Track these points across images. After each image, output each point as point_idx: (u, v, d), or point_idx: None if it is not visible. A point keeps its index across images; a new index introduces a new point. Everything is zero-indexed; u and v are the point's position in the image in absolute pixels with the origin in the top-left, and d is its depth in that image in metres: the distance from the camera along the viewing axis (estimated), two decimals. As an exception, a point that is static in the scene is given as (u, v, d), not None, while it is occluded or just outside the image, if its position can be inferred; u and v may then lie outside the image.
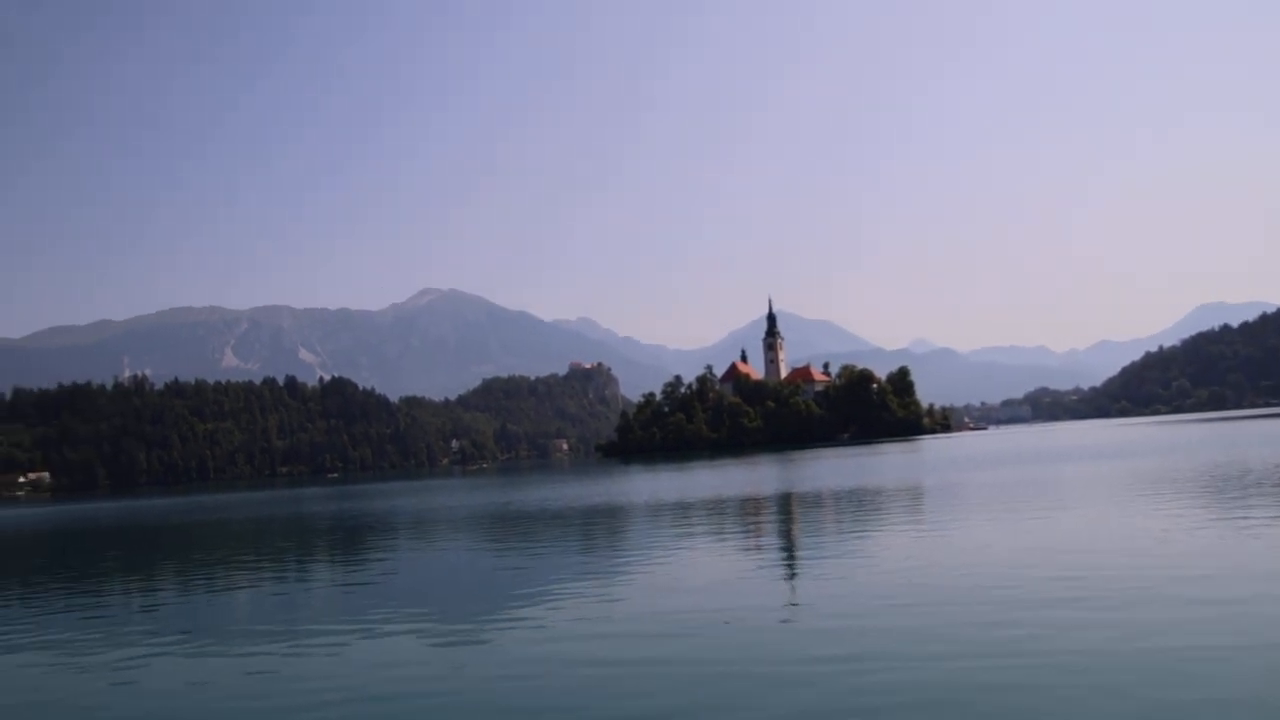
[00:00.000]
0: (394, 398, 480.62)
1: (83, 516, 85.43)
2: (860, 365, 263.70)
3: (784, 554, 25.37)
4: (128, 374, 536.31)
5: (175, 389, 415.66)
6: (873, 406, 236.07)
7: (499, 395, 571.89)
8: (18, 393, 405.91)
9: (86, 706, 13.16)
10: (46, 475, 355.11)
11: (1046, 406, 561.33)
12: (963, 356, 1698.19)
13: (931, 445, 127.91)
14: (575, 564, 25.44)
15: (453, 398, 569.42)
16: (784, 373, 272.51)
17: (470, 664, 13.93)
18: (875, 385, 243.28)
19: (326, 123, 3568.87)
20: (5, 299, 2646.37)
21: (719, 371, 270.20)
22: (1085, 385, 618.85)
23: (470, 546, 33.68)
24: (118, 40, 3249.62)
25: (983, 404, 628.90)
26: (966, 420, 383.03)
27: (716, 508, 42.30)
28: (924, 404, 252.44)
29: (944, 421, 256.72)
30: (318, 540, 41.59)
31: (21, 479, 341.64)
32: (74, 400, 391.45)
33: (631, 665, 13.23)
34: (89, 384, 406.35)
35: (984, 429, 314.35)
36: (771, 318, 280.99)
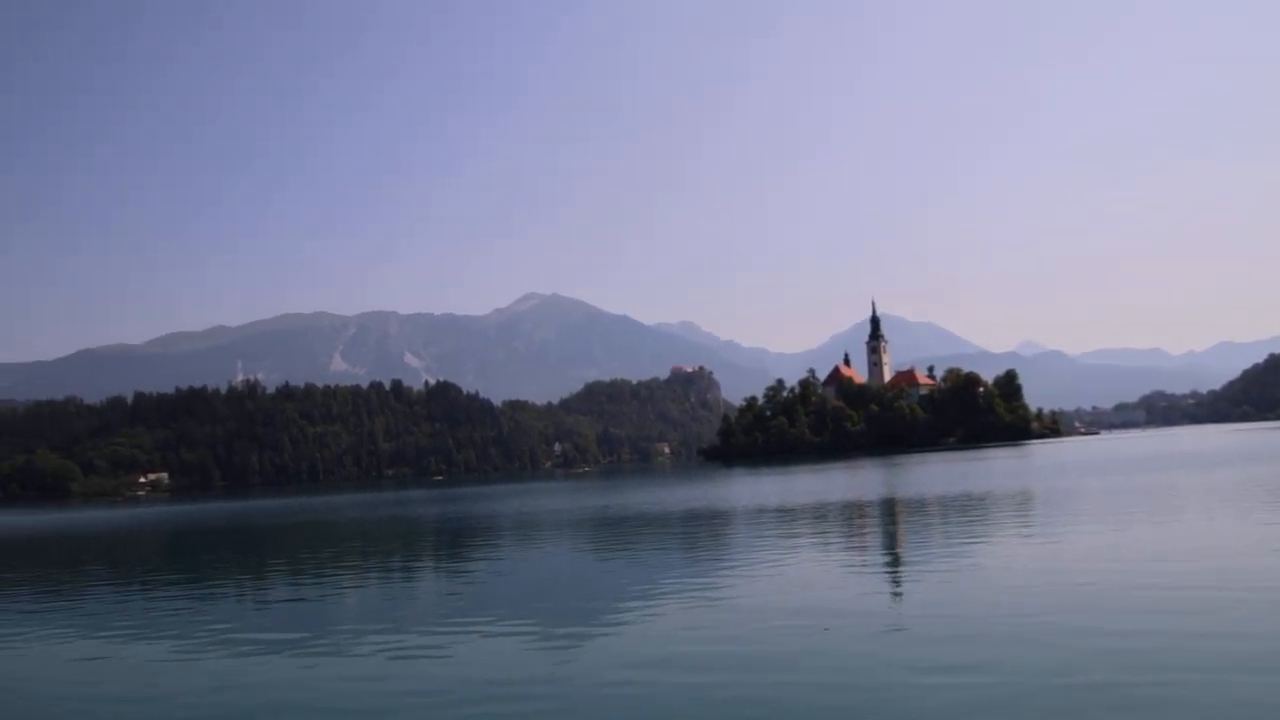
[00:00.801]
0: (497, 401, 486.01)
1: (199, 516, 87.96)
2: (966, 368, 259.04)
3: (888, 560, 25.05)
4: (241, 378, 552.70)
5: (286, 392, 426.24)
6: (979, 410, 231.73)
7: (601, 399, 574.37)
8: (139, 397, 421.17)
9: (199, 700, 13.44)
10: (165, 476, 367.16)
11: (1162, 411, 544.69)
12: (1073, 359, 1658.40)
13: (1040, 450, 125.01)
14: (677, 569, 25.36)
15: (555, 401, 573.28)
16: (888, 376, 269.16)
17: (572, 669, 13.93)
18: (981, 389, 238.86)
19: (431, 134, 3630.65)
20: (127, 307, 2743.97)
21: (822, 375, 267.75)
22: (1203, 389, 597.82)
23: (573, 550, 33.87)
24: (249, 43, 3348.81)
25: (1094, 408, 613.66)
26: (1077, 425, 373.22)
27: (820, 512, 41.91)
28: (1032, 408, 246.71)
29: (1053, 426, 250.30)
30: (424, 542, 42.30)
31: (142, 479, 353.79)
32: (191, 404, 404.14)
33: (728, 672, 13.11)
34: (205, 388, 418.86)
35: (1096, 434, 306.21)
36: (875, 320, 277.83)
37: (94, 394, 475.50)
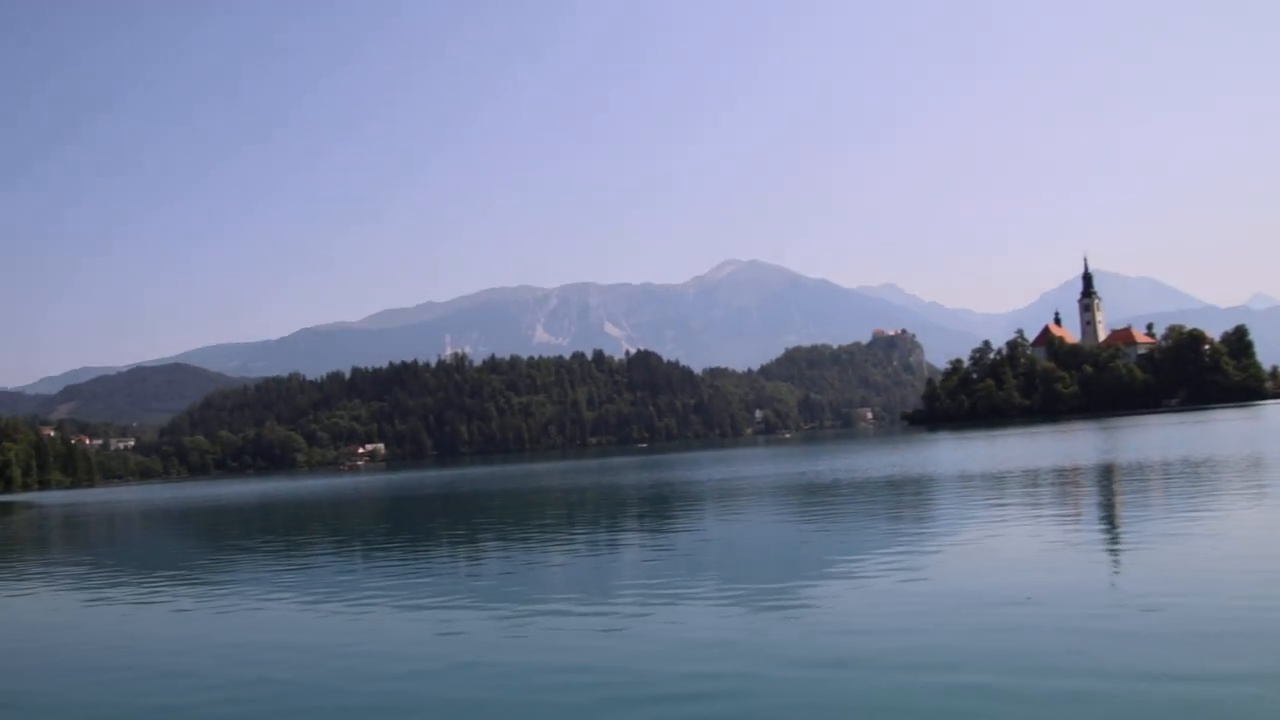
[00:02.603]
0: (698, 369, 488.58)
1: (415, 484, 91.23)
2: (1190, 325, 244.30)
3: (1102, 530, 23.84)
4: (450, 351, 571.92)
5: (492, 364, 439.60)
6: (1204, 370, 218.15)
7: (802, 364, 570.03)
8: (355, 372, 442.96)
9: (415, 656, 13.66)
10: (381, 447, 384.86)
11: None
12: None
13: (1275, 412, 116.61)
14: (879, 537, 24.64)
15: (755, 368, 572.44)
16: (1102, 335, 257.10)
17: (773, 638, 13.58)
18: (1207, 346, 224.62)
19: (623, 104, 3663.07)
20: (344, 287, 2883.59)
21: (1030, 336, 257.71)
22: None
23: (775, 517, 33.50)
24: (442, 30, 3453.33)
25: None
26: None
27: (1030, 479, 40.12)
28: (1266, 367, 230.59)
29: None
30: (629, 509, 42.75)
31: (360, 450, 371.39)
32: (403, 377, 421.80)
33: (921, 641, 12.50)
34: (415, 362, 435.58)
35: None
36: (1087, 277, 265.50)
37: (315, 370, 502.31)
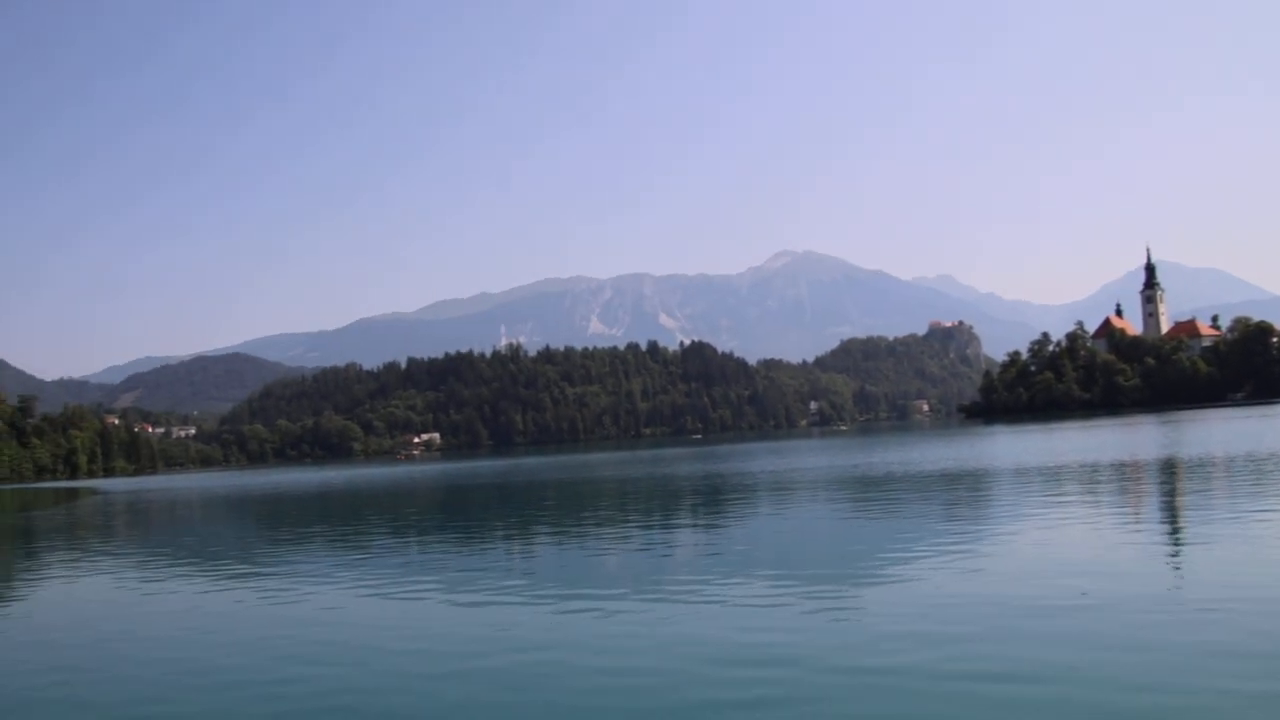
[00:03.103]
0: (752, 360, 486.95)
1: (467, 474, 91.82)
2: (1257, 316, 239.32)
3: (1164, 526, 23.45)
4: (504, 342, 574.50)
5: (546, 355, 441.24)
6: (1272, 363, 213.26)
7: (857, 356, 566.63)
8: (411, 362, 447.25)
9: (470, 651, 13.73)
10: (437, 436, 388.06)
11: None
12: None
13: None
14: (935, 534, 24.29)
15: (810, 359, 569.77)
16: (1165, 327, 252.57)
17: (823, 640, 13.49)
18: (1275, 339, 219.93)
19: (676, 92, 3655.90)
20: (400, 278, 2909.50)
21: (1090, 328, 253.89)
22: None
23: (828, 512, 33.32)
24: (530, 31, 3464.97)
25: None
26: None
27: (1089, 473, 39.43)
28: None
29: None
30: (683, 499, 42.63)
31: (416, 439, 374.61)
32: (458, 367, 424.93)
33: (974, 649, 12.38)
34: (470, 352, 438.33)
35: None
36: (1150, 267, 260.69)
37: (371, 360, 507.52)
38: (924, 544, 21.63)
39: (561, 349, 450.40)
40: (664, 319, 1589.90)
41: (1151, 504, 28.71)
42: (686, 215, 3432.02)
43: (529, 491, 56.79)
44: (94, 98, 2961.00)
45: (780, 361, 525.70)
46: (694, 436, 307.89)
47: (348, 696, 11.92)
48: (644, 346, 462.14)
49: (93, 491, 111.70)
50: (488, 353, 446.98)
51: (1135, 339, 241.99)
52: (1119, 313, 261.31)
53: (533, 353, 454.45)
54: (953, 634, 12.92)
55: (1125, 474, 38.53)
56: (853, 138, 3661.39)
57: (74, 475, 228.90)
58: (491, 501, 51.45)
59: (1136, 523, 23.93)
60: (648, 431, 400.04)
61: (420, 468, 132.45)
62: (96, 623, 18.76)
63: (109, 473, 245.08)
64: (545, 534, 31.08)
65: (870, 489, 40.08)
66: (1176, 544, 20.09)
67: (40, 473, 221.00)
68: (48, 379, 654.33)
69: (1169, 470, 38.88)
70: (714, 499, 41.25)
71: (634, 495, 47.69)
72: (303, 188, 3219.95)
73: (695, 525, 31.19)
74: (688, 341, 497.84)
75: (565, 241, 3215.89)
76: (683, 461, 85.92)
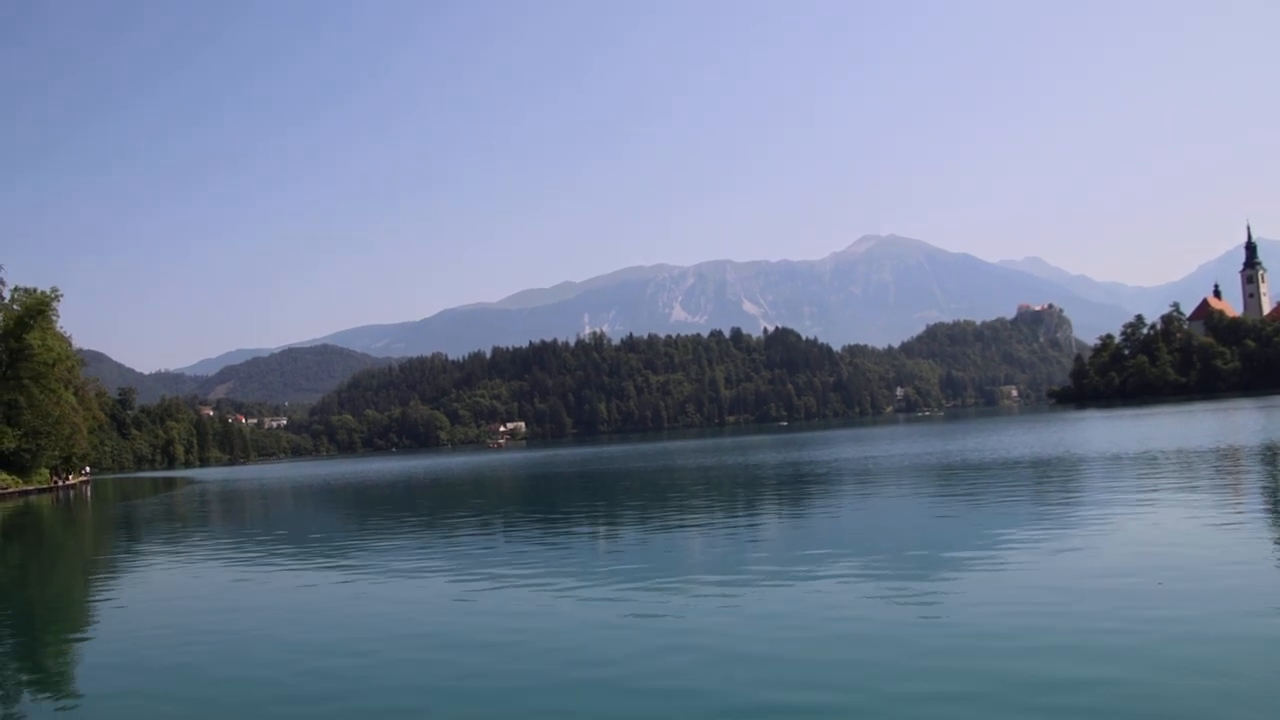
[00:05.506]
0: (836, 346, 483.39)
1: (553, 462, 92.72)
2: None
3: (1262, 515, 22.79)
4: (588, 330, 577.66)
5: (630, 343, 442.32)
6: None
7: (943, 341, 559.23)
8: (496, 351, 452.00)
9: (554, 636, 14.00)
10: (522, 425, 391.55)
11: None
12: None
13: None
14: (1022, 521, 23.99)
15: (895, 345, 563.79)
16: (1267, 308, 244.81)
17: (907, 630, 13.47)
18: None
19: (759, 77, 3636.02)
20: (483, 269, 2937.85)
21: (1187, 309, 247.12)
22: None
23: (914, 499, 33.03)
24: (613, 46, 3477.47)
25: None
26: None
27: (1185, 460, 38.46)
28: None
29: None
30: (767, 488, 42.59)
31: (502, 428, 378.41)
32: (542, 356, 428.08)
33: (1058, 641, 12.34)
34: (554, 341, 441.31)
35: None
36: (1251, 246, 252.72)
37: (457, 350, 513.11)
38: (1011, 535, 21.44)
39: (644, 337, 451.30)
40: (747, 306, 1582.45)
41: (1251, 491, 27.87)
42: (768, 202, 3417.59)
43: (613, 480, 56.99)
44: (151, 93, 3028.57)
45: (865, 347, 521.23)
46: (779, 424, 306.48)
47: (422, 684, 12.26)
48: (727, 334, 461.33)
49: (188, 481, 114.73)
50: (571, 342, 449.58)
51: (1234, 320, 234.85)
52: (1217, 293, 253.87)
53: (616, 341, 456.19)
54: (1030, 626, 12.94)
55: (1224, 460, 37.52)
56: (937, 120, 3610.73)
57: (171, 465, 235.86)
58: (575, 490, 51.74)
59: (1237, 514, 23.20)
60: (731, 419, 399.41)
61: (506, 456, 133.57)
62: (179, 610, 19.31)
63: (204, 462, 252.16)
64: (627, 523, 31.36)
65: (957, 477, 39.72)
66: (1269, 535, 19.60)
67: (140, 462, 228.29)
68: (145, 372, 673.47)
69: (1271, 458, 37.67)
70: (797, 488, 41.19)
71: (717, 484, 47.48)
72: (387, 180, 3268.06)
73: (779, 515, 31.17)
74: (771, 328, 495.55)
75: (647, 230, 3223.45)
76: (766, 449, 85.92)
